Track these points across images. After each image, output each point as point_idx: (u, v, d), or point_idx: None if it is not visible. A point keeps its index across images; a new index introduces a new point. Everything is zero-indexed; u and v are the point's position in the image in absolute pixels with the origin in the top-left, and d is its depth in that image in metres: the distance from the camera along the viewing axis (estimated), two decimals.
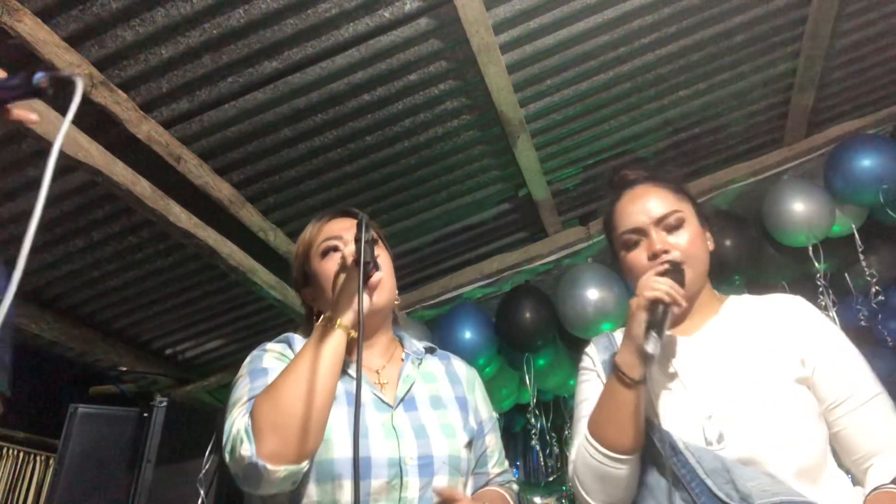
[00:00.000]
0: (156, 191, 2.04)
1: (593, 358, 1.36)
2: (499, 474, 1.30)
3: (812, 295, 2.82)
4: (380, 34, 1.96)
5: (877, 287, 2.72)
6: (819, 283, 2.74)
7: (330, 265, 1.19)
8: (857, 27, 2.45)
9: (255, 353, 1.21)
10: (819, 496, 1.11)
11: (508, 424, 4.22)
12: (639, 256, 1.27)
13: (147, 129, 1.94)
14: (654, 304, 1.15)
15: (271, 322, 2.96)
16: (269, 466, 0.98)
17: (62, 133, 0.74)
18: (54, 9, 1.66)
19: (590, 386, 1.33)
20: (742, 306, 1.32)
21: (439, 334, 2.86)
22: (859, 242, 2.71)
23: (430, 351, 1.34)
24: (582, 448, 1.23)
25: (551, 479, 4.67)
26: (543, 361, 3.12)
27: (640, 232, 1.28)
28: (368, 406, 1.14)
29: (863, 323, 2.99)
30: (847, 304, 3.03)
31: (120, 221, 2.26)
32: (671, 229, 1.27)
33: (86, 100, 1.76)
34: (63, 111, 0.77)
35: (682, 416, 1.20)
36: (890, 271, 2.95)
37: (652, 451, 1.20)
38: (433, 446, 1.14)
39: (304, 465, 1.02)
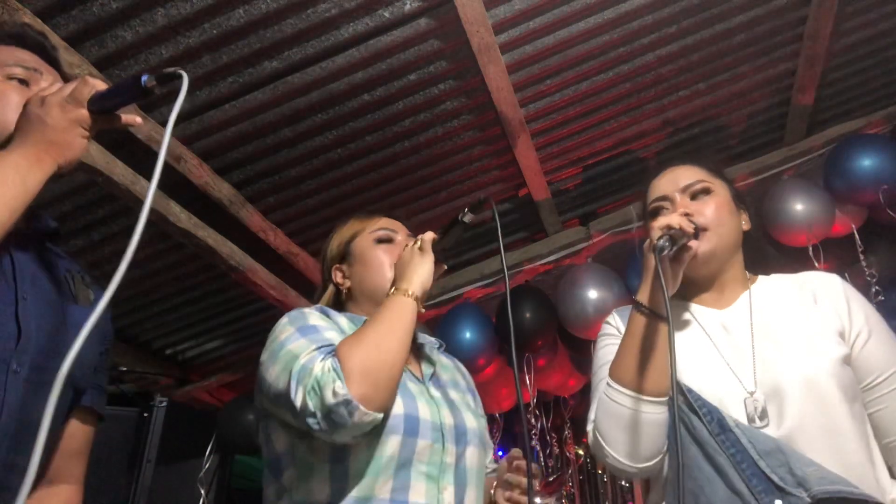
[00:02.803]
0: (156, 191, 2.04)
1: (617, 325, 1.33)
2: (493, 471, 1.35)
3: None
4: (380, 34, 1.96)
5: (877, 287, 2.72)
6: None
7: (381, 252, 1.30)
8: (857, 27, 2.45)
9: (293, 314, 1.21)
10: (877, 486, 1.06)
11: (508, 424, 4.21)
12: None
13: (147, 129, 1.94)
14: (666, 230, 1.14)
15: (271, 322, 2.91)
16: (362, 408, 0.98)
17: (167, 136, 0.88)
18: (54, 9, 1.66)
19: (611, 350, 1.26)
20: (774, 283, 1.29)
21: (439, 334, 2.85)
22: (859, 242, 2.71)
23: (439, 346, 1.42)
24: (603, 396, 1.18)
25: (551, 479, 4.67)
26: (543, 361, 3.12)
27: (666, 199, 1.30)
28: (405, 377, 1.18)
29: None
30: None
31: (120, 221, 2.26)
32: (696, 195, 1.28)
33: None
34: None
35: (725, 392, 1.14)
36: (890, 271, 2.95)
37: (692, 426, 1.13)
38: (465, 419, 1.21)
39: (381, 416, 1.03)
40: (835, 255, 2.80)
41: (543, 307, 2.88)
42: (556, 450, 4.60)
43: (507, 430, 4.28)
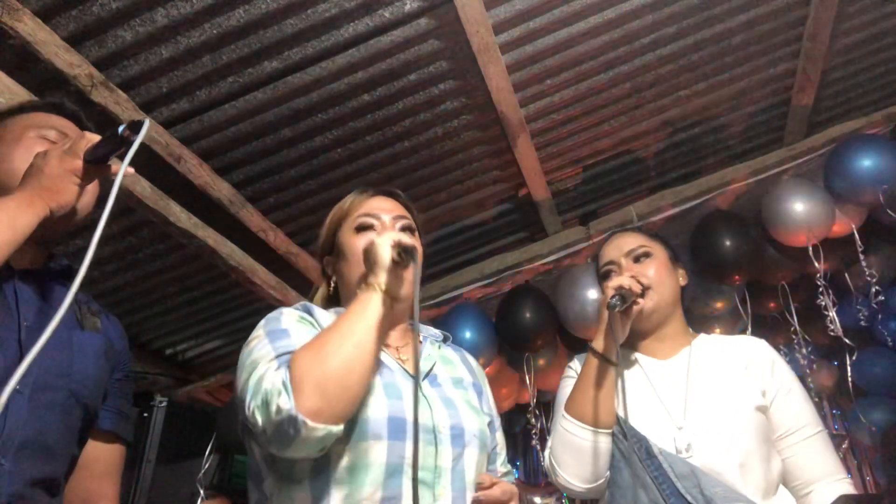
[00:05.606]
0: (156, 191, 2.04)
1: (576, 369, 1.57)
2: (504, 474, 1.29)
3: (812, 295, 2.81)
4: (380, 34, 1.96)
5: (877, 287, 2.72)
6: (819, 283, 2.73)
7: (362, 241, 1.21)
8: (857, 27, 2.45)
9: (270, 315, 1.15)
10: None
11: (508, 424, 4.22)
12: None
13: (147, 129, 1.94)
14: (617, 290, 1.40)
15: None
16: (309, 423, 0.91)
17: (123, 167, 0.95)
18: (54, 9, 1.66)
19: (570, 390, 1.49)
20: (712, 343, 1.53)
21: None
22: (859, 242, 2.70)
23: (445, 339, 1.35)
24: (559, 427, 1.43)
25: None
26: (543, 361, 3.12)
27: (614, 263, 1.56)
28: (397, 374, 1.13)
29: (863, 323, 2.98)
30: (847, 304, 3.02)
31: (120, 221, 2.26)
32: (639, 258, 1.54)
33: (86, 100, 1.76)
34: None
35: (656, 425, 1.38)
36: (890, 271, 2.95)
37: (627, 454, 1.38)
38: (463, 418, 1.14)
39: (341, 428, 0.97)
40: (835, 255, 2.80)
41: (543, 307, 2.88)
42: None
43: (506, 430, 4.25)
